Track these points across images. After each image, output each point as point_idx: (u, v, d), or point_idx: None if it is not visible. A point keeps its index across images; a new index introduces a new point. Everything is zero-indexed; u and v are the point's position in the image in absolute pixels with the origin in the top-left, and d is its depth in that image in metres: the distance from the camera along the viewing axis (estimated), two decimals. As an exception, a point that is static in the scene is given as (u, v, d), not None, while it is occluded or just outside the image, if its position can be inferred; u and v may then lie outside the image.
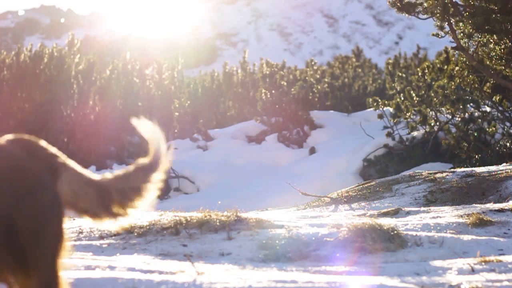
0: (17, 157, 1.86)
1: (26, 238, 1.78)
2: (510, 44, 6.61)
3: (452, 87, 9.38)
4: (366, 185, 6.64)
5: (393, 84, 11.81)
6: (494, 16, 6.45)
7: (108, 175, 2.11)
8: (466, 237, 3.52)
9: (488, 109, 9.68)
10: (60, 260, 1.89)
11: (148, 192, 2.11)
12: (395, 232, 3.48)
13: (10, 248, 1.77)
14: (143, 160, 2.13)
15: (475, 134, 9.35)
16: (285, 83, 13.70)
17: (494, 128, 9.24)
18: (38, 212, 1.81)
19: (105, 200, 2.04)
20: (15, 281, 1.79)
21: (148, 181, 2.11)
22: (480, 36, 6.71)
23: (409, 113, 10.38)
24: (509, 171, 5.94)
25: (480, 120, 9.53)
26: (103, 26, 77.56)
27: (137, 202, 2.10)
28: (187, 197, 10.27)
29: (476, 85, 8.42)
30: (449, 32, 6.89)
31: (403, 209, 4.66)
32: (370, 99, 11.02)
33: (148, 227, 3.73)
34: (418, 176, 6.46)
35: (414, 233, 3.60)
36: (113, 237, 3.68)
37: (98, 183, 2.05)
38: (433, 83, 10.32)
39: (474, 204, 4.86)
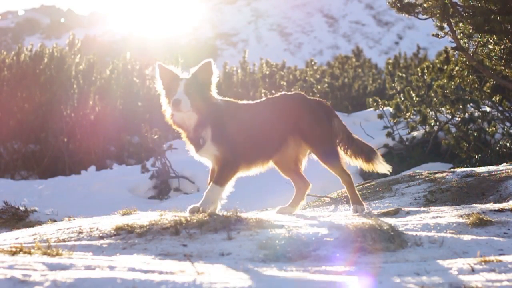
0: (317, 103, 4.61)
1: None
2: (510, 44, 6.61)
3: (452, 87, 9.38)
4: (366, 185, 6.64)
5: (393, 84, 11.80)
6: (493, 16, 6.45)
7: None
8: (466, 237, 3.52)
9: (488, 109, 9.67)
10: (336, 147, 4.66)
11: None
12: (395, 232, 3.49)
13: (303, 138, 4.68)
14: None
15: (475, 134, 9.34)
16: (285, 83, 13.69)
17: (494, 128, 9.23)
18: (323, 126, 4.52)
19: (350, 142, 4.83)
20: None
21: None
22: (480, 36, 6.71)
23: (409, 113, 10.37)
24: (509, 171, 5.94)
25: (480, 120, 9.53)
26: (103, 26, 77.60)
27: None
28: (187, 197, 10.25)
29: (476, 85, 8.42)
30: (449, 32, 6.88)
31: (403, 209, 4.66)
32: (370, 99, 11.01)
33: (148, 227, 3.73)
34: (418, 176, 6.46)
35: (414, 233, 3.61)
36: (113, 237, 3.68)
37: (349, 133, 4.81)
38: (433, 83, 10.32)
39: (474, 204, 4.86)
